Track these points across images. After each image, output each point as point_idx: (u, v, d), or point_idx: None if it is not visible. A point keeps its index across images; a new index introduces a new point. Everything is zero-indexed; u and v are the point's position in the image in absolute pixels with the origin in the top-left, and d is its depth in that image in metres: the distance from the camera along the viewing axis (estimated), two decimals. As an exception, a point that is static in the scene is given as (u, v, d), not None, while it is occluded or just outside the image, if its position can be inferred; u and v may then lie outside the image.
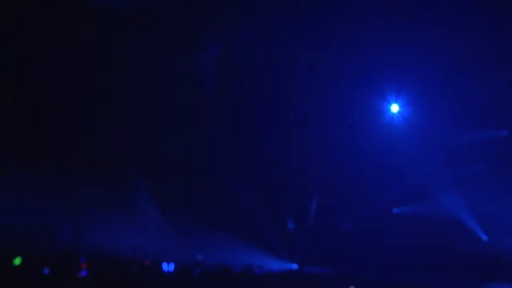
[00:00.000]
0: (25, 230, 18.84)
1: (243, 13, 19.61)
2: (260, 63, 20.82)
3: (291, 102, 21.12)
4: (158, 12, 19.76)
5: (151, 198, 20.33)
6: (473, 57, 18.98)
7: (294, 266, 21.12)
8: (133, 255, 18.73)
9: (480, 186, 19.55)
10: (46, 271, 15.19)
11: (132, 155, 20.45)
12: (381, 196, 21.15)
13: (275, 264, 20.58)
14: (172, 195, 20.50)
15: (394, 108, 20.36)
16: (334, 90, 20.49)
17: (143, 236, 19.80)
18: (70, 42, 19.40)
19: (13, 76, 19.28)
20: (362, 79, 19.89)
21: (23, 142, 19.82)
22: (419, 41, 19.14)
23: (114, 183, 19.94)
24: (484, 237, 20.31)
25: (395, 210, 21.45)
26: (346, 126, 21.16)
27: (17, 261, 16.38)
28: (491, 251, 19.99)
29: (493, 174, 19.66)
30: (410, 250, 20.28)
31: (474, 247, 20.16)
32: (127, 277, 17.18)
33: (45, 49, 19.41)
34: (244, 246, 20.54)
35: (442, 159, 20.58)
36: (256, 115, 21.33)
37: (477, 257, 19.89)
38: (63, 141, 19.92)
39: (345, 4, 19.17)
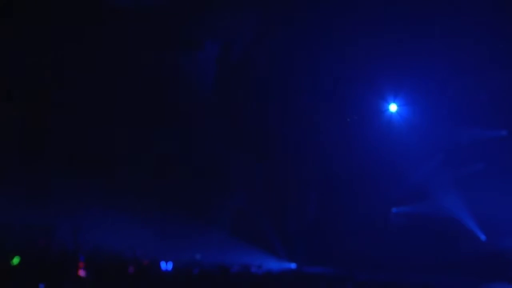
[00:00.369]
0: (24, 230, 18.91)
1: (241, 12, 19.61)
2: (259, 63, 20.83)
3: (289, 101, 21.12)
4: (157, 11, 19.82)
5: (150, 197, 20.35)
6: (473, 56, 18.94)
7: (293, 265, 21.16)
8: (132, 255, 18.78)
9: (479, 186, 19.54)
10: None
11: (132, 154, 20.50)
12: (380, 196, 21.18)
13: (273, 264, 20.60)
14: (171, 194, 20.51)
15: (393, 107, 20.40)
16: (332, 89, 20.50)
17: (142, 235, 19.85)
18: (69, 41, 19.43)
19: (12, 75, 19.32)
20: (360, 79, 19.90)
21: (22, 142, 19.88)
22: (418, 40, 19.12)
23: (113, 183, 19.99)
24: (483, 237, 20.30)
25: (394, 210, 21.46)
26: (345, 125, 21.19)
27: (16, 260, 16.42)
28: (491, 251, 19.98)
29: (492, 174, 19.65)
30: (410, 250, 20.30)
31: (474, 247, 20.16)
32: (126, 276, 17.20)
33: (43, 48, 19.46)
34: (243, 245, 20.58)
35: (441, 159, 20.58)
36: (255, 114, 21.37)
37: (476, 257, 19.87)
38: (62, 140, 19.97)
39: (344, 3, 19.18)
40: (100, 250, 18.34)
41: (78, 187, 19.55)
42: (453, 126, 20.21)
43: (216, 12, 19.71)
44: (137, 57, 20.09)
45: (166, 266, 17.83)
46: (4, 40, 18.69)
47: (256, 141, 21.40)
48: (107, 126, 20.08)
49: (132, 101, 20.30)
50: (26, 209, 18.89)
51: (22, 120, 19.88)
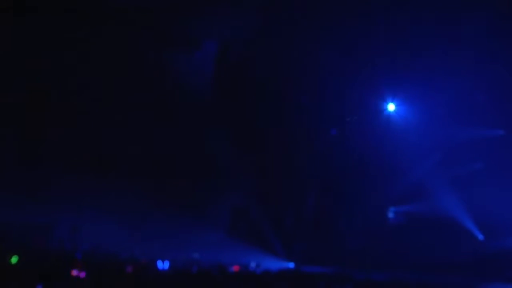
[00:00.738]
0: (22, 229, 18.86)
1: (240, 11, 19.59)
2: (257, 61, 20.84)
3: (288, 100, 21.15)
4: (155, 11, 19.84)
5: (148, 197, 20.32)
6: (470, 57, 18.98)
7: (291, 265, 21.13)
8: (130, 254, 18.74)
9: (477, 185, 19.56)
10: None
11: (130, 154, 20.47)
12: (379, 195, 21.21)
13: (271, 263, 20.56)
14: (169, 194, 20.48)
15: (391, 107, 20.47)
16: (331, 89, 20.54)
17: (139, 234, 19.84)
18: (67, 40, 19.44)
19: (10, 75, 19.30)
20: (359, 78, 19.95)
21: (20, 141, 19.85)
22: (416, 41, 19.18)
23: (111, 182, 19.98)
24: (481, 236, 20.32)
25: (392, 209, 21.47)
26: (344, 125, 21.25)
27: (14, 259, 16.33)
28: (489, 250, 19.98)
29: (490, 173, 19.67)
30: (408, 249, 20.33)
31: (472, 246, 20.17)
32: (123, 276, 17.12)
33: (42, 48, 19.46)
34: (241, 244, 20.57)
35: (439, 158, 20.61)
36: (254, 113, 21.40)
37: (475, 256, 19.87)
38: (60, 139, 19.93)
39: (343, 3, 19.24)
40: (98, 249, 18.30)
41: (77, 187, 19.53)
42: (451, 126, 20.24)
43: (213, 11, 19.70)
44: (135, 56, 20.09)
45: (163, 265, 17.77)
46: (4, 40, 18.71)
47: (255, 140, 21.40)
48: (105, 126, 20.06)
49: (131, 100, 20.31)
50: (25, 208, 18.89)
51: (22, 119, 19.89)
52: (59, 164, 19.66)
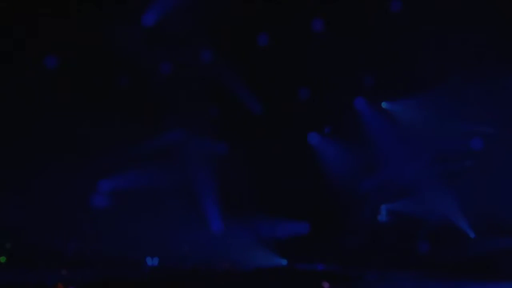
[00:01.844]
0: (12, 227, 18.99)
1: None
2: (253, 59, 20.83)
3: (283, 99, 21.14)
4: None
5: (140, 193, 20.38)
6: (464, 53, 18.89)
7: (284, 262, 21.16)
8: (121, 251, 18.83)
9: (469, 183, 19.45)
10: None
11: (120, 150, 20.51)
12: (372, 193, 21.20)
13: (264, 260, 20.60)
14: (161, 190, 20.53)
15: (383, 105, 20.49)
16: (324, 87, 20.53)
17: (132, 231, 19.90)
18: (64, 39, 19.50)
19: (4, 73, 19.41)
20: (351, 76, 19.92)
21: (12, 138, 19.94)
22: (409, 37, 19.11)
23: (104, 179, 20.08)
24: (472, 235, 20.26)
25: (383, 207, 21.48)
26: (337, 124, 21.29)
27: (2, 259, 16.49)
28: (483, 249, 19.92)
29: (483, 171, 19.58)
30: (404, 247, 20.34)
31: (465, 245, 20.13)
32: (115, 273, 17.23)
33: (38, 47, 19.55)
34: (233, 240, 20.58)
35: (431, 156, 20.56)
36: (250, 111, 21.42)
37: (469, 254, 19.83)
38: (51, 136, 19.99)
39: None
40: (88, 247, 18.43)
41: (67, 184, 19.59)
42: (443, 123, 20.16)
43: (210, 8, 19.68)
44: (133, 55, 20.14)
45: (152, 261, 17.88)
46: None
47: (251, 137, 21.42)
48: (98, 122, 20.09)
49: (123, 96, 20.38)
50: (16, 205, 19.01)
51: (15, 118, 19.99)
52: (49, 159, 19.64)
